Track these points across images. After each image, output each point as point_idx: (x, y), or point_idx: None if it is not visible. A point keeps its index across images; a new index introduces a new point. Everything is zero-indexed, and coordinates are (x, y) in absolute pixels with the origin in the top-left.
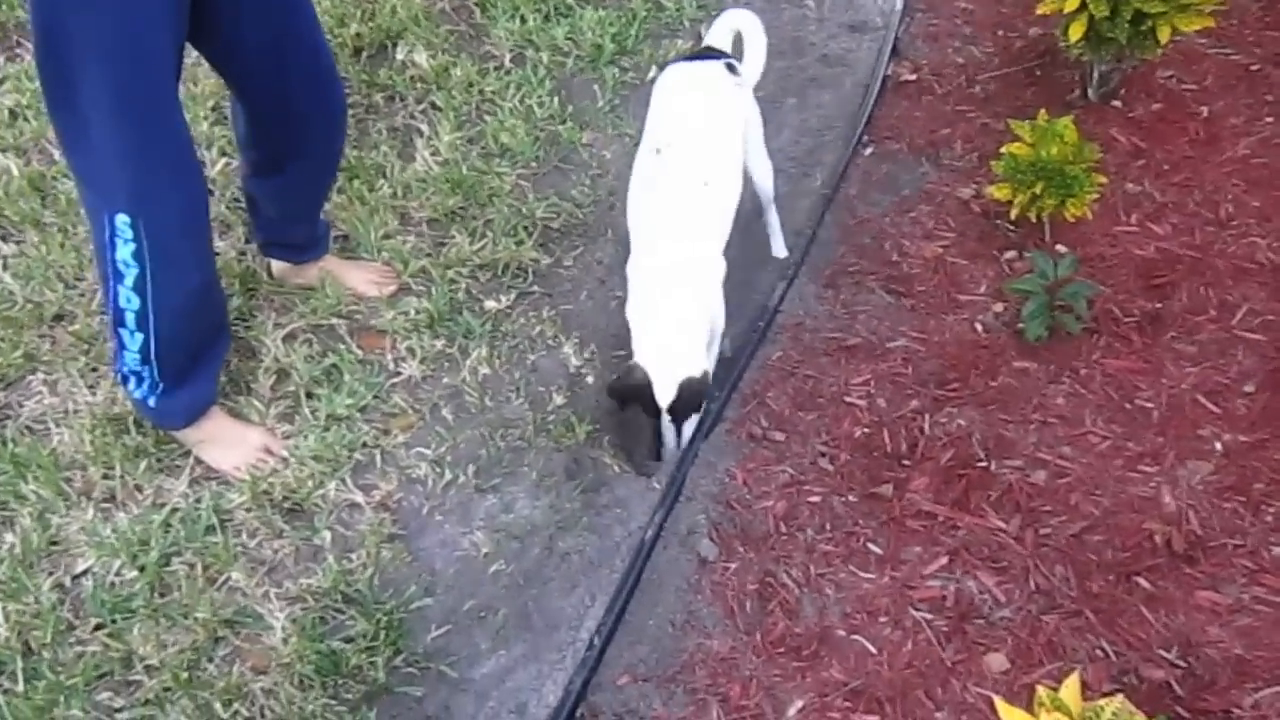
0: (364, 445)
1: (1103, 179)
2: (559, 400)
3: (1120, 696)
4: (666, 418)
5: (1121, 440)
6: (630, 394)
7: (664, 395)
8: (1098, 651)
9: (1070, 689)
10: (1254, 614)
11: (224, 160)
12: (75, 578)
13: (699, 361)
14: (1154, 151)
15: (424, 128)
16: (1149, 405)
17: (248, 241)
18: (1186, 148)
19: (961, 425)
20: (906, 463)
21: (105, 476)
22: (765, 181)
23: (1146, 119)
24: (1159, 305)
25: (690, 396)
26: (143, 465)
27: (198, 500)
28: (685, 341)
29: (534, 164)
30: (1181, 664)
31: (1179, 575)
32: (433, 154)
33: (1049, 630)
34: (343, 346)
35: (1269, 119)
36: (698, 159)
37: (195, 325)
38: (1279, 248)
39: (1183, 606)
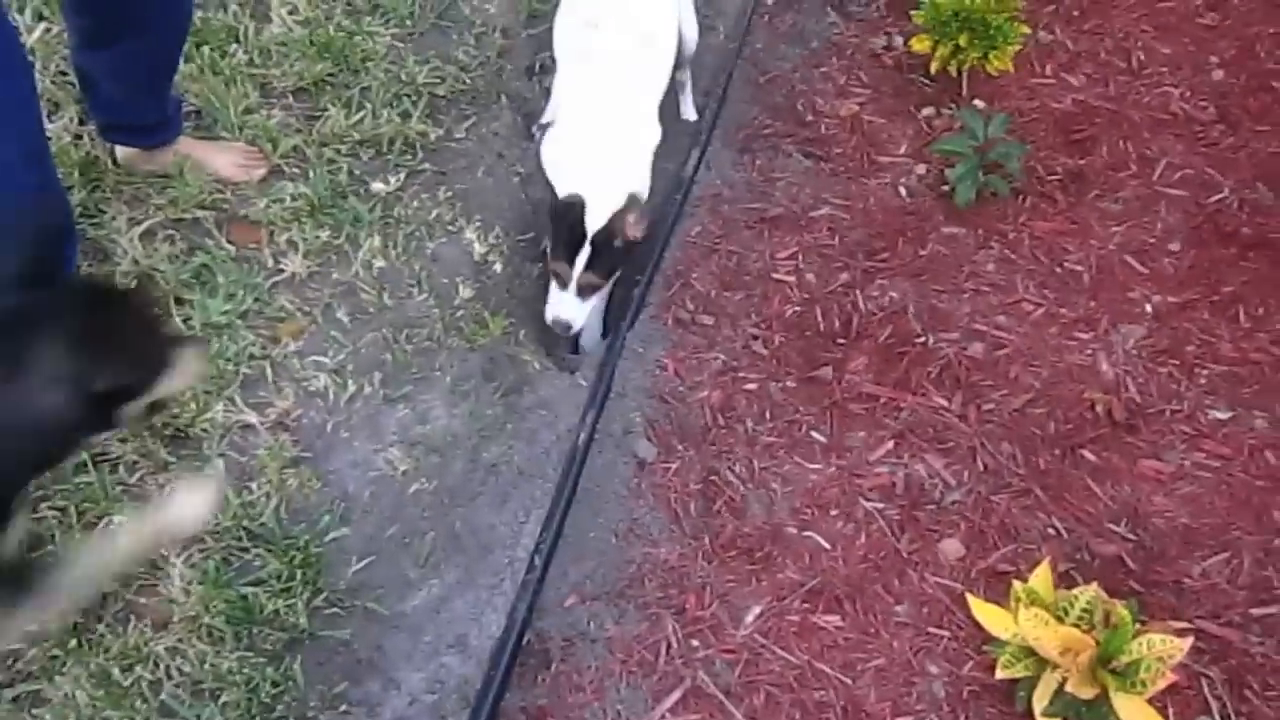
0: (251, 357)
1: (1025, 29)
2: (467, 293)
3: (1094, 585)
4: (576, 277)
5: (1055, 306)
6: (560, 212)
7: (595, 217)
8: (1050, 530)
9: (1041, 579)
10: (1196, 480)
11: (43, 26)
12: None
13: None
14: None
15: None
16: (1079, 268)
17: (83, 123)
18: None
19: (895, 298)
20: (842, 342)
21: None
22: (690, 35)
23: None
24: (1081, 162)
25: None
26: None
27: None
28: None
29: (409, 22)
30: (1132, 537)
31: (1121, 445)
32: (290, 12)
33: (1000, 511)
34: (211, 242)
35: None
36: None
37: (34, 231)
38: (1190, 97)
39: (1128, 477)
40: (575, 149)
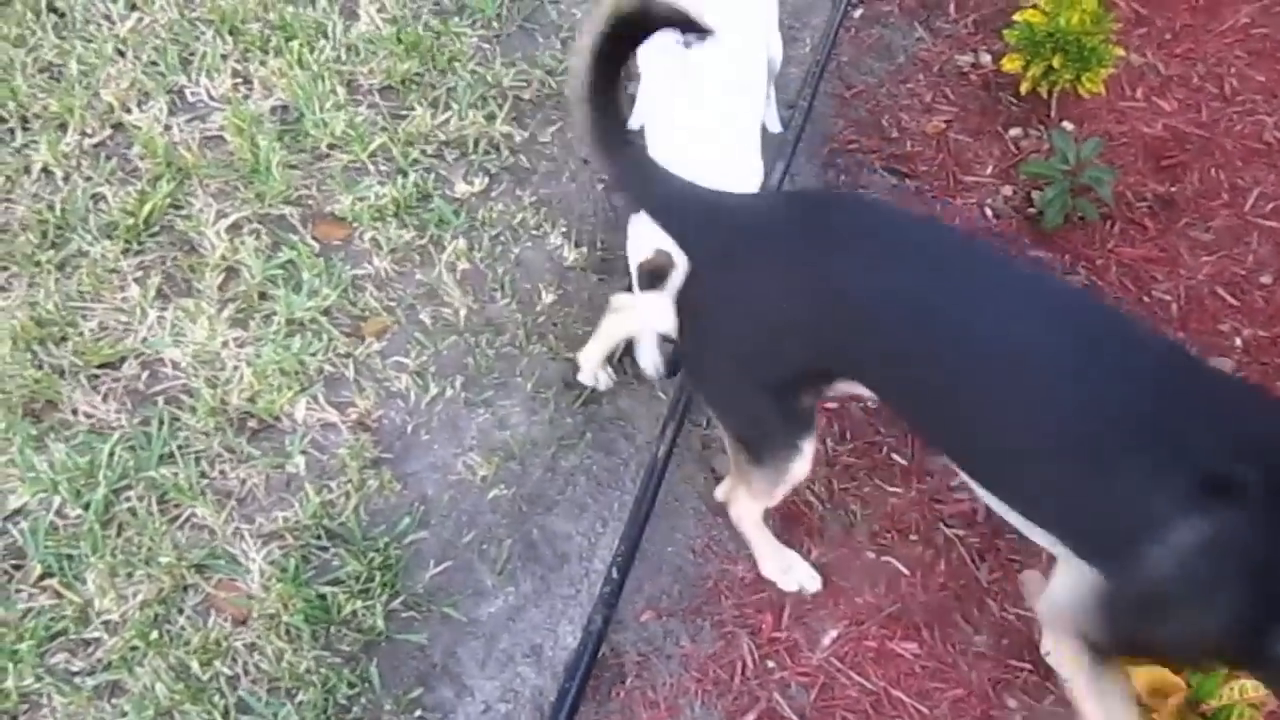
0: (336, 354)
1: (1120, 51)
2: (549, 298)
3: None
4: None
5: None
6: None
7: None
8: None
9: None
10: None
11: (135, 16)
12: (6, 518)
13: None
14: (1155, 20)
15: None
16: (1167, 298)
17: (173, 113)
18: (1187, 15)
19: None
20: None
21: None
22: (776, 55)
23: None
24: (1172, 189)
25: None
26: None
27: (144, 423)
28: None
29: (496, 24)
30: None
31: None
32: (379, 10)
33: None
34: (295, 238)
35: None
36: (729, 54)
37: None
38: None
39: None
40: None
